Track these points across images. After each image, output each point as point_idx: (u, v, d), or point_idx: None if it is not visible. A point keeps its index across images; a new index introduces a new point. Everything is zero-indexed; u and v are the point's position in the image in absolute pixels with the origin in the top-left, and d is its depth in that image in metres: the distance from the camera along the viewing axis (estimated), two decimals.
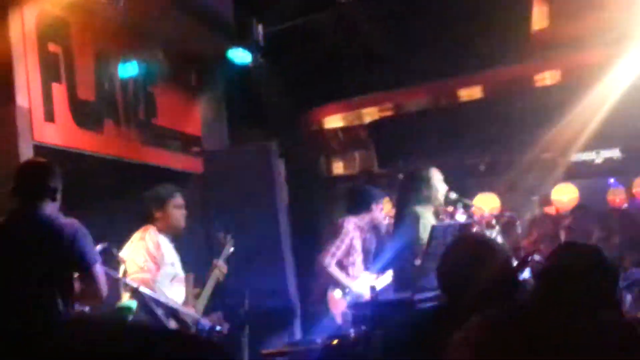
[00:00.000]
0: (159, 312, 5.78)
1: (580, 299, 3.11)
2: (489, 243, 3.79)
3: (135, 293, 5.63)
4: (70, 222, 4.98)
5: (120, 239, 6.30)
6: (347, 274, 7.36)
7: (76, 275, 5.03)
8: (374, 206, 7.62)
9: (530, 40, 9.71)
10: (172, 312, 6.03)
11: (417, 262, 6.37)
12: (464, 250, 3.67)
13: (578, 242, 3.71)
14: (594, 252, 3.31)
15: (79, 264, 4.93)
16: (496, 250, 3.64)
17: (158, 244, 6.31)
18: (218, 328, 6.21)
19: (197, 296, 6.55)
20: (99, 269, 5.03)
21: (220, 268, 6.80)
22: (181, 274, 6.48)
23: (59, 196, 5.07)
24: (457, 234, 6.28)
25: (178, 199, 6.54)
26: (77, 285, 5.05)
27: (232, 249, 7.00)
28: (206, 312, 6.62)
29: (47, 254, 4.84)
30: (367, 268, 7.64)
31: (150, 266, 6.14)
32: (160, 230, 6.40)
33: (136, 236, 6.31)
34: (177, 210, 6.52)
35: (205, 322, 6.14)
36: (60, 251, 4.84)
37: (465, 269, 3.53)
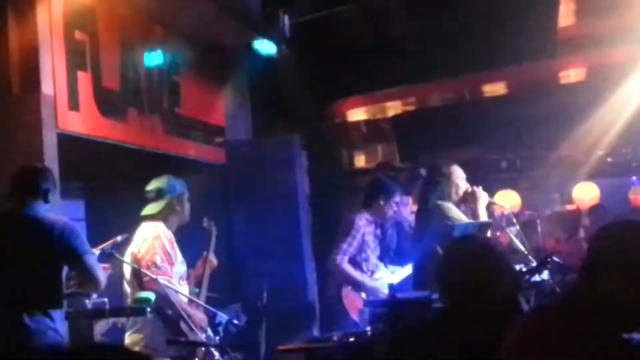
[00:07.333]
0: (169, 312, 5.74)
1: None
2: (492, 248, 3.57)
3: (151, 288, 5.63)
4: (59, 219, 5.24)
5: None
6: (362, 270, 7.33)
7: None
8: (382, 201, 7.51)
9: (556, 37, 9.64)
10: (182, 316, 5.78)
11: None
12: (464, 254, 3.52)
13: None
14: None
15: (70, 256, 5.17)
16: (498, 256, 3.47)
17: (172, 241, 6.11)
18: (236, 321, 6.14)
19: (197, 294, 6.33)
20: (91, 259, 5.22)
21: (211, 260, 6.56)
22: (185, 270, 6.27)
23: (51, 197, 5.29)
24: (476, 233, 6.25)
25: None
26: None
27: (215, 234, 6.74)
28: (225, 304, 6.56)
29: (40, 248, 5.10)
30: (386, 265, 7.61)
31: (167, 267, 5.94)
32: (167, 226, 6.17)
33: (148, 232, 6.05)
34: (188, 204, 6.39)
35: (223, 316, 5.99)
36: (52, 245, 5.10)
37: (464, 273, 3.39)
